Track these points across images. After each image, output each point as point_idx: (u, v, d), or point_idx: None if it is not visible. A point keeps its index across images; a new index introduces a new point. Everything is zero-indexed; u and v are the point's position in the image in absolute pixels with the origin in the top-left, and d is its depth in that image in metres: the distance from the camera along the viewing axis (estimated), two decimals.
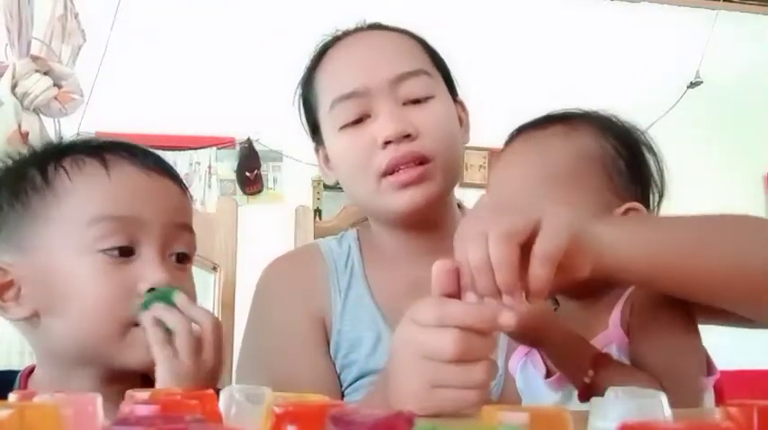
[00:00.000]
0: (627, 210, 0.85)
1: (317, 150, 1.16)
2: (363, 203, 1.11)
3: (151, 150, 0.92)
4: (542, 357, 0.86)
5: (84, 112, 2.55)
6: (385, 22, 1.14)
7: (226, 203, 1.42)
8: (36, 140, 1.97)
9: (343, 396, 1.08)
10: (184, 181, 0.94)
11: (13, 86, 2.02)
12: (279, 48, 3.20)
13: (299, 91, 1.15)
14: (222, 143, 3.78)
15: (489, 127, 1.64)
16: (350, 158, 1.05)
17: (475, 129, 1.16)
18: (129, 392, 0.49)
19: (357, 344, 1.08)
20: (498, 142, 0.95)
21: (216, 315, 0.83)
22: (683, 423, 0.38)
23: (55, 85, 2.08)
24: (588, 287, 0.79)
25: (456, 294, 0.67)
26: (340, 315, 1.10)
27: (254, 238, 1.86)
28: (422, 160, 1.02)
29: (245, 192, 3.77)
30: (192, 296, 0.86)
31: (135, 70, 3.49)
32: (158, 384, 0.76)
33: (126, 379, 0.78)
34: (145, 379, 0.81)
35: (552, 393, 0.85)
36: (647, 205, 0.88)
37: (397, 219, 1.07)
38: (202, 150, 3.74)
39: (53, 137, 2.10)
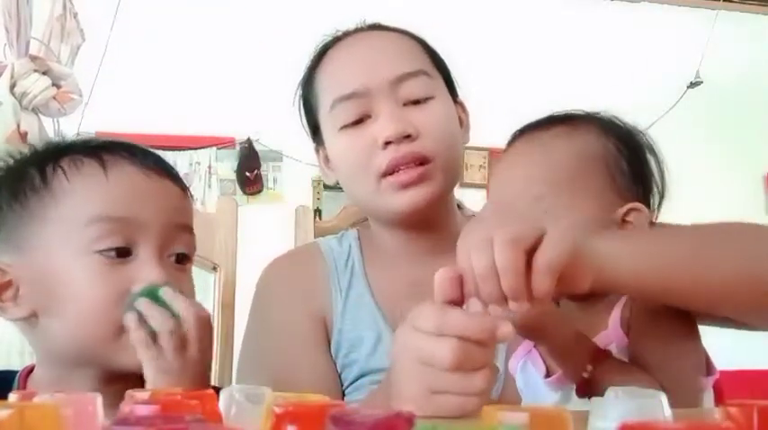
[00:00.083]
0: (629, 211, 0.85)
1: (317, 151, 1.16)
2: (363, 203, 1.11)
3: (151, 150, 0.91)
4: (542, 357, 0.86)
5: (84, 112, 2.55)
6: (385, 22, 1.14)
7: (226, 203, 1.42)
8: (35, 140, 1.97)
9: (343, 395, 1.08)
10: (184, 181, 0.94)
11: (12, 86, 2.02)
12: (279, 48, 3.20)
13: (300, 91, 1.15)
14: (222, 143, 3.78)
15: (489, 127, 1.64)
16: (350, 159, 1.05)
17: (475, 130, 1.16)
18: (129, 392, 0.49)
19: (358, 344, 1.08)
20: (498, 142, 0.95)
21: (208, 310, 0.82)
22: (683, 423, 0.38)
23: (54, 84, 2.08)
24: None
25: (459, 301, 0.66)
26: (341, 314, 1.10)
27: (254, 238, 1.86)
28: (422, 160, 1.02)
29: (245, 192, 3.77)
30: (190, 296, 0.86)
31: (135, 70, 3.49)
32: (148, 384, 0.77)
33: (125, 379, 0.78)
34: (143, 380, 0.81)
35: (552, 393, 0.85)
36: (648, 205, 0.88)
37: (397, 220, 1.07)
38: (202, 150, 3.75)
39: (52, 137, 2.10)
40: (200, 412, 0.45)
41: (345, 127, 1.05)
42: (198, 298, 0.89)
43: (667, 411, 0.48)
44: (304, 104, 1.14)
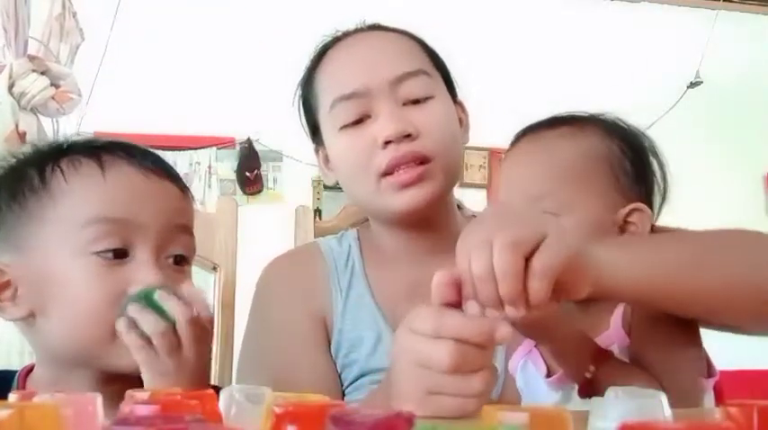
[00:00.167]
0: (632, 211, 0.86)
1: (316, 151, 1.16)
2: (363, 203, 1.11)
3: (151, 151, 0.91)
4: (543, 356, 0.86)
5: (84, 112, 2.55)
6: (384, 22, 1.14)
7: (226, 203, 1.42)
8: (33, 140, 1.97)
9: (343, 395, 1.08)
10: (184, 181, 0.93)
11: (10, 86, 2.02)
12: (279, 48, 3.20)
13: (299, 92, 1.15)
14: (222, 143, 3.78)
15: (489, 127, 1.64)
16: (350, 158, 1.05)
17: (475, 130, 1.16)
18: (128, 392, 0.49)
19: (358, 344, 1.08)
20: (498, 142, 0.95)
21: (208, 310, 0.82)
22: (683, 423, 0.38)
23: (52, 84, 2.09)
24: None
25: (457, 303, 0.66)
26: (341, 314, 1.10)
27: (254, 238, 1.86)
28: (422, 160, 1.02)
29: (245, 192, 3.77)
30: (196, 296, 0.85)
31: (134, 70, 3.49)
32: (145, 386, 0.76)
33: (124, 379, 0.78)
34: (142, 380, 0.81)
35: (552, 393, 0.85)
36: (650, 206, 0.89)
37: (396, 219, 1.07)
38: (202, 150, 3.75)
39: (51, 136, 2.10)
40: (200, 412, 0.45)
41: (345, 127, 1.05)
42: None
43: (667, 411, 0.48)
44: (303, 105, 1.14)
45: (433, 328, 0.64)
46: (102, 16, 2.78)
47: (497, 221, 0.66)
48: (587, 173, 0.86)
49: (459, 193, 1.17)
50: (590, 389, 0.78)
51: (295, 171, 3.68)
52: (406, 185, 1.02)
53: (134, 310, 0.78)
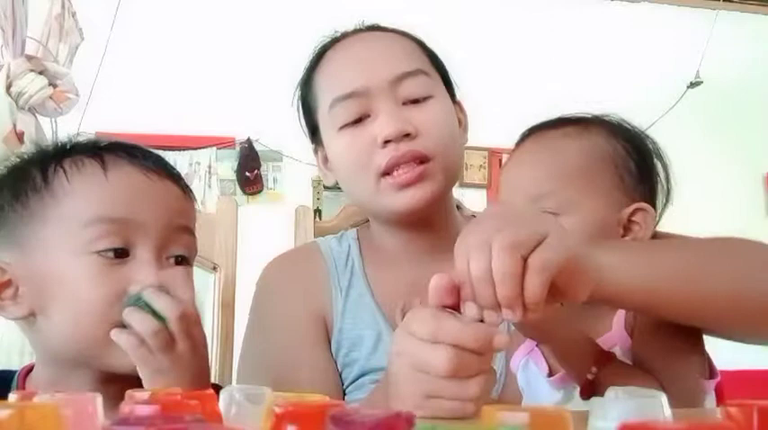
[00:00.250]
0: (635, 210, 0.86)
1: (315, 151, 1.16)
2: (363, 203, 1.11)
3: (153, 151, 0.91)
4: (544, 356, 0.86)
5: (84, 112, 2.55)
6: (383, 23, 1.14)
7: (226, 203, 1.42)
8: (31, 140, 1.97)
9: (344, 394, 1.08)
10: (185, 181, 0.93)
11: (8, 86, 2.02)
12: (279, 48, 3.20)
13: (298, 92, 1.15)
14: (222, 143, 3.79)
15: (489, 127, 1.64)
16: (350, 158, 1.05)
17: (475, 129, 1.16)
18: (128, 392, 0.49)
19: (358, 343, 1.08)
20: (498, 142, 0.96)
21: (188, 306, 0.82)
22: (683, 423, 0.38)
23: (50, 84, 2.09)
24: None
25: (455, 306, 0.65)
26: (341, 313, 1.10)
27: (254, 238, 1.86)
28: (422, 159, 1.02)
29: (245, 192, 3.78)
30: (185, 297, 0.85)
31: (134, 70, 3.49)
32: (144, 384, 0.77)
33: (124, 379, 0.78)
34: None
35: (554, 392, 0.85)
36: (653, 207, 0.89)
37: (396, 219, 1.07)
38: (202, 150, 3.75)
39: (49, 136, 2.10)
40: (201, 412, 0.45)
41: (345, 126, 1.05)
42: (198, 298, 0.88)
43: (667, 411, 0.48)
44: (303, 105, 1.14)
45: (431, 333, 0.63)
46: (102, 16, 2.78)
47: (497, 222, 0.65)
48: (592, 172, 0.87)
49: (458, 193, 1.17)
50: (592, 390, 0.78)
51: (295, 171, 3.68)
52: (406, 185, 1.02)
53: (125, 313, 0.78)
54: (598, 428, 0.47)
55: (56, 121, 2.23)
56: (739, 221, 3.36)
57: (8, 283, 0.83)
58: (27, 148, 1.57)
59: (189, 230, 0.89)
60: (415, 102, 1.05)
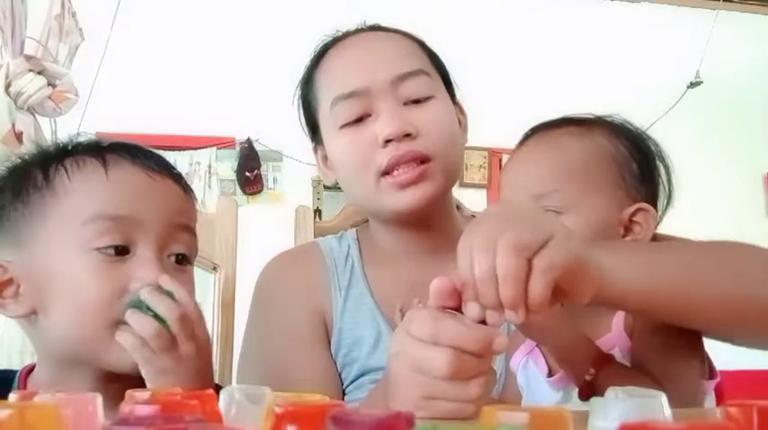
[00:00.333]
0: (637, 210, 0.86)
1: (315, 150, 1.16)
2: (363, 202, 1.11)
3: (154, 151, 0.91)
4: (544, 356, 0.86)
5: (84, 112, 2.55)
6: (384, 23, 1.14)
7: (226, 203, 1.42)
8: (30, 140, 1.97)
9: (344, 394, 1.08)
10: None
11: (7, 86, 2.02)
12: (279, 48, 3.20)
13: (299, 91, 1.15)
14: (222, 143, 3.78)
15: (489, 127, 1.64)
16: (350, 157, 1.05)
17: (475, 130, 1.16)
18: (128, 392, 0.49)
19: (358, 343, 1.08)
20: (498, 142, 0.96)
21: (192, 306, 0.82)
22: (683, 423, 0.38)
23: (49, 84, 2.09)
24: None
25: (455, 307, 0.65)
26: (340, 313, 1.10)
27: (254, 238, 1.86)
28: (422, 159, 1.02)
29: (245, 192, 3.78)
30: (186, 297, 0.86)
31: (134, 70, 3.49)
32: (148, 384, 0.77)
33: (125, 378, 0.78)
34: (143, 378, 0.81)
35: (553, 392, 0.85)
36: (655, 208, 0.89)
37: (396, 218, 1.07)
38: (202, 150, 3.75)
39: (48, 136, 2.10)
40: (200, 412, 0.45)
41: (346, 125, 1.05)
42: (198, 298, 0.89)
43: (667, 411, 0.48)
44: (303, 103, 1.14)
45: (430, 334, 0.63)
46: (102, 16, 2.78)
47: (501, 222, 0.64)
48: (594, 171, 0.87)
49: (458, 193, 1.17)
50: (590, 391, 0.78)
51: (295, 171, 3.68)
52: (406, 185, 1.02)
53: (127, 315, 0.79)
54: (598, 428, 0.47)
55: (55, 121, 2.23)
56: (739, 221, 3.37)
57: (9, 282, 0.83)
58: (26, 148, 1.57)
59: (189, 229, 0.89)
60: (416, 102, 1.05)
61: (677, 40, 4.17)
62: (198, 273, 0.97)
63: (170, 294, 0.80)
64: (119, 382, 0.77)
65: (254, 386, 0.52)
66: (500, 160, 3.74)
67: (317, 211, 3.34)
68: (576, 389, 0.82)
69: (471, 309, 0.64)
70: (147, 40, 3.52)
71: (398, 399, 0.66)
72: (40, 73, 2.07)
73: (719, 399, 0.84)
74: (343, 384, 1.09)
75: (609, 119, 0.93)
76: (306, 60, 1.14)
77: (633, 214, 0.86)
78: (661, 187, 0.91)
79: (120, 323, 0.79)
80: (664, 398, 0.49)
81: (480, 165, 3.95)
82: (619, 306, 0.78)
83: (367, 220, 1.19)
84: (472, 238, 0.64)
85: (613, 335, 0.83)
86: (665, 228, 0.93)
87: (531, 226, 0.64)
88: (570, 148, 0.88)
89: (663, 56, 4.12)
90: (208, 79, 3.59)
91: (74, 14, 2.19)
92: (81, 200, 0.83)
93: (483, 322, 0.64)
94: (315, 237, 1.35)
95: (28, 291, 0.83)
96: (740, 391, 0.60)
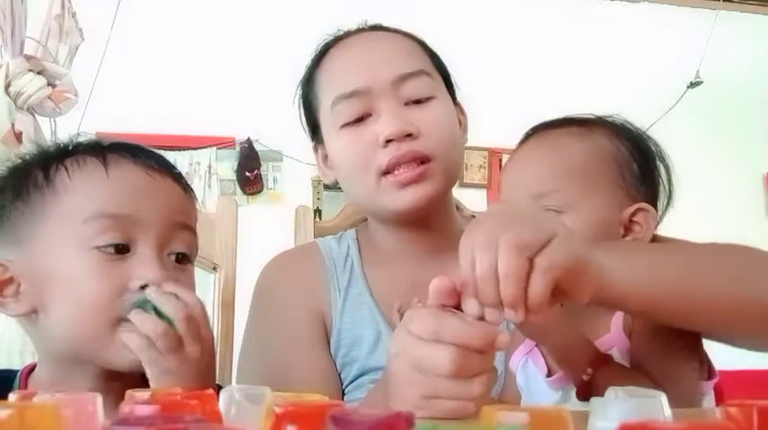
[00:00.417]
0: (637, 210, 0.86)
1: (315, 149, 1.16)
2: (363, 202, 1.11)
3: (155, 151, 0.91)
4: (543, 356, 0.86)
5: (84, 112, 2.55)
6: (385, 23, 1.14)
7: (226, 203, 1.42)
8: (30, 140, 1.97)
9: (343, 394, 1.08)
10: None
11: (7, 86, 2.02)
12: (279, 48, 3.20)
13: (300, 90, 1.15)
14: (222, 143, 3.78)
15: (489, 127, 1.64)
16: (351, 156, 1.05)
17: (475, 130, 1.16)
18: (128, 392, 0.49)
19: (357, 343, 1.08)
20: (498, 142, 0.96)
21: (200, 306, 0.82)
22: (682, 423, 0.38)
23: (49, 84, 2.09)
24: None
25: (455, 307, 0.65)
26: (340, 313, 1.10)
27: (254, 238, 1.86)
28: (423, 159, 1.02)
29: (245, 192, 3.78)
30: (189, 294, 0.86)
31: (134, 70, 3.49)
32: (152, 384, 0.77)
33: (126, 377, 0.79)
34: (144, 377, 0.81)
35: (553, 392, 0.85)
36: (655, 208, 0.89)
37: (396, 218, 1.07)
38: (202, 150, 3.75)
39: (48, 136, 2.10)
40: (201, 412, 0.45)
41: (346, 125, 1.05)
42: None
43: (667, 411, 0.48)
44: (304, 103, 1.14)
45: (432, 332, 0.63)
46: (102, 16, 2.78)
47: (503, 221, 0.64)
48: (594, 171, 0.87)
49: (458, 193, 1.17)
50: (588, 391, 0.78)
51: (295, 171, 3.68)
52: (406, 184, 1.02)
53: (132, 315, 0.79)
54: (598, 428, 0.47)
55: (54, 121, 2.23)
56: (739, 221, 3.37)
57: (10, 281, 0.83)
58: (25, 148, 1.57)
59: (190, 228, 0.90)
60: (417, 102, 1.05)
61: (677, 40, 4.17)
62: (198, 273, 0.97)
63: (174, 295, 0.80)
64: (120, 381, 0.77)
65: (254, 386, 0.52)
66: (500, 160, 3.74)
67: (317, 211, 3.35)
68: (575, 390, 0.82)
69: (471, 307, 0.64)
70: (147, 41, 3.52)
71: (398, 399, 0.65)
72: (39, 73, 2.07)
73: (719, 399, 0.84)
74: (342, 384, 1.09)
75: (609, 119, 0.93)
76: (306, 60, 1.14)
77: (633, 214, 0.86)
78: (661, 187, 0.91)
79: (121, 321, 0.80)
80: (664, 398, 0.49)
81: (480, 165, 3.95)
82: (619, 306, 0.78)
83: (366, 220, 1.19)
84: (474, 237, 0.63)
85: (612, 336, 0.83)
86: (665, 228, 0.93)
87: (533, 225, 0.64)
88: (571, 148, 0.88)
89: (663, 56, 4.12)
90: (208, 79, 3.59)
91: (74, 14, 2.19)
92: (81, 198, 0.83)
93: (481, 319, 0.63)
94: (315, 237, 1.35)
95: (28, 290, 0.83)
96: (740, 391, 0.60)
